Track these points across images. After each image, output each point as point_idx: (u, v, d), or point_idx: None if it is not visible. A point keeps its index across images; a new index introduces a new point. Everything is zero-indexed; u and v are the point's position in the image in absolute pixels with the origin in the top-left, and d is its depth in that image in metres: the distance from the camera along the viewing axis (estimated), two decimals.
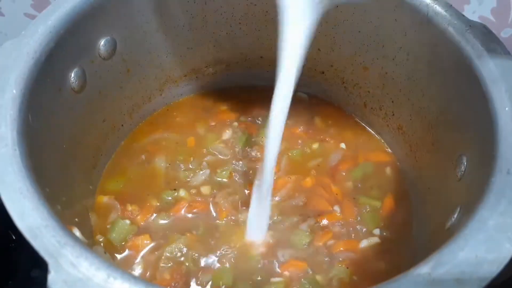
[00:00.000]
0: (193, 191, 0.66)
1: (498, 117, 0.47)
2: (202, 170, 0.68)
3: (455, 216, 0.49)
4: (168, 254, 0.59)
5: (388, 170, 0.71)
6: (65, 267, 0.35)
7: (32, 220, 0.37)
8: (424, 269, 0.37)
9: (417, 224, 0.65)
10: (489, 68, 0.51)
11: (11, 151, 0.41)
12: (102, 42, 0.59)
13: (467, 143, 0.54)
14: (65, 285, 0.33)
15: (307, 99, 0.79)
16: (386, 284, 0.36)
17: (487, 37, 0.53)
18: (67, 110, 0.56)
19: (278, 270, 0.59)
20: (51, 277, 0.34)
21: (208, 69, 0.77)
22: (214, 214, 0.64)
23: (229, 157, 0.70)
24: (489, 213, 0.41)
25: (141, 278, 0.36)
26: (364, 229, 0.63)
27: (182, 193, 0.65)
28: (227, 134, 0.73)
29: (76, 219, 0.54)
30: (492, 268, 0.37)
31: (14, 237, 0.66)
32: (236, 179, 0.67)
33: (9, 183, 0.39)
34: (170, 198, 0.65)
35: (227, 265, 0.59)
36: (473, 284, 0.35)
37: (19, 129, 0.43)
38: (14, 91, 0.45)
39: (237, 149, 0.71)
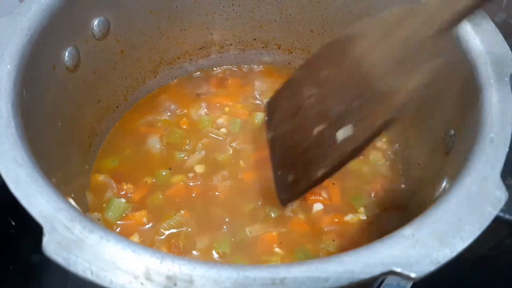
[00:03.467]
0: (189, 171, 0.67)
1: (484, 89, 0.48)
2: (197, 151, 0.69)
3: (442, 187, 0.50)
4: (163, 231, 0.60)
5: (379, 150, 0.71)
6: (59, 230, 0.36)
7: (27, 187, 0.38)
8: (407, 231, 0.38)
9: (408, 201, 0.66)
10: (476, 42, 0.52)
11: (6, 122, 0.42)
12: (95, 22, 0.60)
13: (453, 117, 0.55)
14: (59, 246, 0.34)
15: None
16: (370, 245, 0.37)
17: None
18: (62, 88, 0.57)
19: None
20: (46, 240, 0.35)
21: (201, 51, 0.77)
22: (210, 193, 0.65)
23: (223, 138, 0.71)
24: (472, 179, 0.42)
25: (133, 241, 0.36)
26: (351, 208, 0.64)
27: (177, 172, 0.66)
28: (222, 116, 0.74)
29: (72, 195, 0.55)
30: (475, 229, 0.38)
31: (13, 223, 0.67)
32: (232, 160, 0.68)
33: (4, 152, 0.40)
34: (165, 173, 0.66)
35: (224, 238, 0.60)
36: (456, 244, 0.37)
37: (14, 102, 0.44)
38: (9, 66, 0.46)
39: (232, 131, 0.72)
